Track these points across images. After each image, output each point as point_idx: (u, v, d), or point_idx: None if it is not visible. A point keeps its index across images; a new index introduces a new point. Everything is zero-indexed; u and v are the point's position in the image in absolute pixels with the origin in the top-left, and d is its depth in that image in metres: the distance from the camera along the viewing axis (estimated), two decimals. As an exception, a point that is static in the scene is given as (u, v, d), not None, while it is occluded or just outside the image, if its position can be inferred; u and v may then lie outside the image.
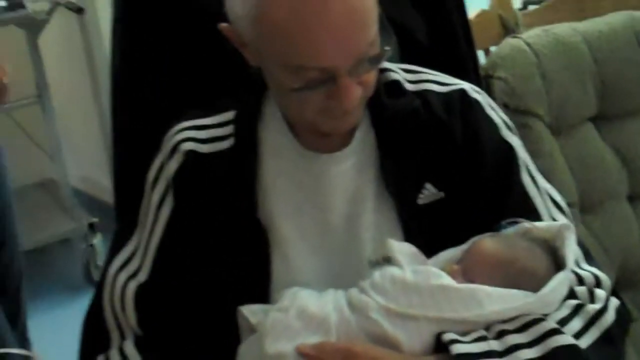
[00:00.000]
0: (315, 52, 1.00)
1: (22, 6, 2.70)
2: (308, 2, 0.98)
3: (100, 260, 2.94)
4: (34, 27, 2.76)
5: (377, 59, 1.07)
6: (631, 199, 1.82)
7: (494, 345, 0.99)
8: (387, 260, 1.11)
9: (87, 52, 2.99)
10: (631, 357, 1.52)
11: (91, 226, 2.97)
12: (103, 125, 3.07)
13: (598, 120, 1.80)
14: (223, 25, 1.11)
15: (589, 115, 1.78)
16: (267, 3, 1.00)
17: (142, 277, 1.19)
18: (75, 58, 3.06)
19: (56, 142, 2.99)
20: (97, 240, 2.97)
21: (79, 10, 2.82)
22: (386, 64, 1.21)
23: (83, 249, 2.99)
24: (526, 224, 1.12)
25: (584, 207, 1.74)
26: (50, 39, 2.91)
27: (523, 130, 1.58)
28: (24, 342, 1.97)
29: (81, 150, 3.30)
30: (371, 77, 1.09)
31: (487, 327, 1.02)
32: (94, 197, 3.29)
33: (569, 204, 1.34)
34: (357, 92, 1.05)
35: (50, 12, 2.76)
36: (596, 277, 1.13)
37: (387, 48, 1.07)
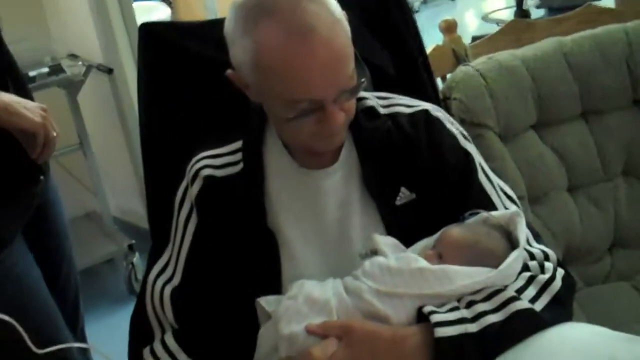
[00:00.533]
0: (306, 87, 1.01)
1: (62, 71, 2.70)
2: (298, 49, 0.99)
3: (140, 275, 2.92)
4: (72, 87, 2.76)
5: (355, 90, 1.08)
6: (570, 190, 1.82)
7: (465, 313, 1.00)
8: (374, 252, 1.12)
9: (118, 105, 2.99)
10: (579, 318, 1.52)
11: (130, 247, 2.96)
12: (135, 164, 3.06)
13: (538, 127, 1.80)
14: (229, 71, 1.12)
15: (531, 123, 1.79)
16: (263, 51, 1.01)
17: (176, 281, 1.19)
18: (108, 110, 3.05)
19: (97, 181, 2.98)
20: (136, 259, 2.95)
21: (109, 71, 2.83)
22: (363, 93, 1.22)
23: (125, 267, 2.98)
24: (484, 214, 1.13)
25: (531, 199, 1.75)
26: (87, 96, 2.91)
27: (477, 140, 1.60)
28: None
29: (118, 185, 3.29)
30: (351, 104, 1.10)
31: (459, 299, 1.03)
32: (131, 223, 3.27)
33: (519, 197, 1.34)
34: (341, 117, 1.07)
35: (85, 74, 2.76)
36: (544, 253, 1.13)
37: (362, 80, 1.08)
